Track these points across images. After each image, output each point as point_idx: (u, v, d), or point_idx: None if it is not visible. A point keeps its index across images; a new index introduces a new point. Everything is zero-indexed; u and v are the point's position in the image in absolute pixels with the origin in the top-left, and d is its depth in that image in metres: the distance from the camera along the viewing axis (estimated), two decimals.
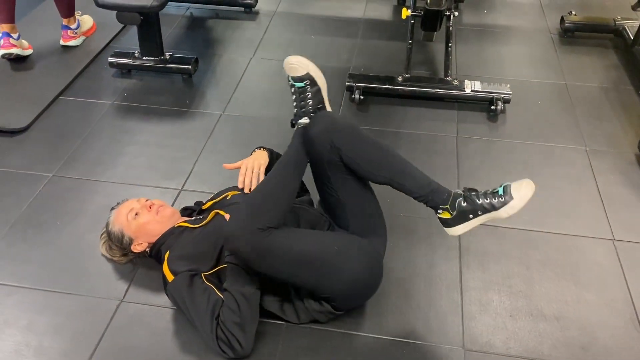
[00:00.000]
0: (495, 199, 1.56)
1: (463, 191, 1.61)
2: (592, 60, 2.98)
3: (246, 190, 1.76)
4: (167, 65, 2.77)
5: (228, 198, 1.82)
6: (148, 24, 2.63)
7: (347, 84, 2.64)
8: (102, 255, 1.88)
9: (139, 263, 1.85)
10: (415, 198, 1.64)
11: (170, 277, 1.63)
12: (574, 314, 1.72)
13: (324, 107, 1.75)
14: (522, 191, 1.54)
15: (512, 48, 3.09)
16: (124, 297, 1.76)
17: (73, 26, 2.98)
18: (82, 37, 3.06)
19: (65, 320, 1.68)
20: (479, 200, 1.57)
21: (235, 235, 1.48)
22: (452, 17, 2.77)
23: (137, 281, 1.81)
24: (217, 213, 1.74)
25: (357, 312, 1.71)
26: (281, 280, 1.60)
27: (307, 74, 1.70)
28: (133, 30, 3.18)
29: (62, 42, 3.00)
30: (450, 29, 2.76)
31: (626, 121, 2.53)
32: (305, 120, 1.71)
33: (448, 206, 1.60)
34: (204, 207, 1.88)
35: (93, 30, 3.15)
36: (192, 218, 1.81)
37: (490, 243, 1.95)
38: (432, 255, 1.91)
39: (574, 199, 2.13)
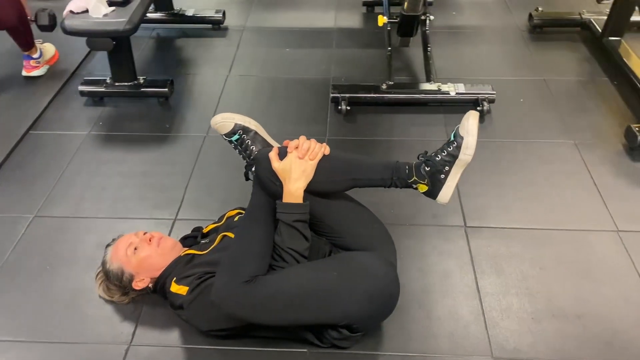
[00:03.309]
0: (450, 148, 1.55)
1: (422, 157, 1.59)
2: (564, 54, 3.04)
3: (300, 155, 1.52)
4: (142, 89, 2.66)
5: (235, 220, 1.75)
6: (119, 49, 2.51)
7: (331, 95, 2.59)
8: (100, 297, 1.76)
9: (141, 301, 1.75)
10: (385, 186, 1.61)
11: (183, 290, 1.54)
12: (593, 310, 1.72)
13: (269, 145, 1.71)
14: (467, 126, 1.51)
15: (485, 48, 3.12)
16: (131, 340, 1.65)
17: (35, 55, 2.83)
18: (46, 66, 2.91)
19: None
20: (438, 157, 1.56)
21: (223, 298, 1.43)
22: (427, 21, 2.78)
23: (143, 321, 1.70)
24: (225, 235, 1.66)
25: (378, 332, 1.66)
26: (294, 326, 1.53)
27: (236, 124, 1.69)
28: (99, 56, 3.07)
29: (24, 73, 2.85)
30: (427, 33, 2.77)
31: (608, 111, 2.58)
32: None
33: (415, 177, 1.57)
34: (205, 230, 1.81)
35: (56, 58, 3.00)
36: (198, 244, 1.73)
37: (498, 245, 1.94)
38: (445, 264, 1.88)
39: (573, 193, 2.14)
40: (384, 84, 2.61)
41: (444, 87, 2.59)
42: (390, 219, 2.01)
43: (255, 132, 1.70)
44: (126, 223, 2.04)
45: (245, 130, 1.69)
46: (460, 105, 2.60)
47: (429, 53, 2.72)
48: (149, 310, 1.73)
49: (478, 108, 2.54)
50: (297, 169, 1.51)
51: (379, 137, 2.46)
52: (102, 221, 2.06)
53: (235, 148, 1.72)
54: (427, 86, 2.62)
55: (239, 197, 2.07)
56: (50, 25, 2.71)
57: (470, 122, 1.49)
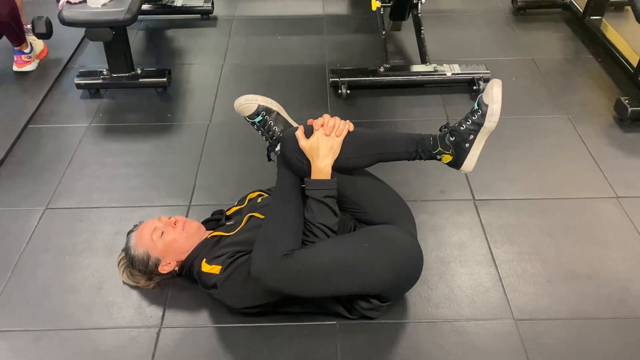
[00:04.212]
0: (475, 117, 1.57)
1: (445, 128, 1.62)
2: (548, 34, 3.14)
3: (327, 132, 1.55)
4: (140, 80, 2.65)
5: (259, 201, 1.77)
6: (117, 39, 2.49)
7: (331, 79, 2.63)
8: (125, 283, 1.77)
9: (166, 285, 1.76)
10: (410, 159, 1.64)
11: (216, 269, 1.57)
12: (603, 271, 1.81)
13: (291, 126, 1.74)
14: (491, 94, 1.53)
15: (473, 30, 3.20)
16: (161, 323, 1.67)
17: (27, 50, 2.79)
18: (37, 61, 2.87)
19: (108, 355, 1.57)
20: (463, 127, 1.58)
21: (263, 272, 1.45)
22: (419, 4, 2.83)
23: (171, 304, 1.72)
24: (252, 216, 1.69)
25: (404, 302, 1.71)
26: (331, 296, 1.58)
27: (259, 105, 1.72)
28: (89, 48, 3.05)
29: (16, 68, 2.80)
30: (419, 16, 2.83)
31: (596, 87, 2.69)
32: (279, 147, 1.67)
33: (440, 148, 1.60)
34: (228, 212, 1.83)
35: (45, 52, 2.96)
36: (223, 226, 1.75)
37: (508, 216, 2.01)
38: (458, 235, 1.94)
39: (572, 164, 2.24)
40: (382, 67, 2.66)
41: (440, 68, 2.66)
42: (401, 195, 2.07)
43: (278, 113, 1.72)
44: (141, 211, 2.04)
45: (268, 111, 1.71)
46: (457, 85, 2.67)
47: (422, 36, 2.78)
48: (175, 294, 1.75)
49: (474, 87, 2.62)
50: (324, 146, 1.54)
51: (381, 119, 2.52)
52: (115, 210, 2.06)
53: (258, 129, 1.74)
54: (423, 68, 2.68)
55: (250, 181, 2.11)
56: (47, 32, 2.69)
57: (494, 90, 1.53)
